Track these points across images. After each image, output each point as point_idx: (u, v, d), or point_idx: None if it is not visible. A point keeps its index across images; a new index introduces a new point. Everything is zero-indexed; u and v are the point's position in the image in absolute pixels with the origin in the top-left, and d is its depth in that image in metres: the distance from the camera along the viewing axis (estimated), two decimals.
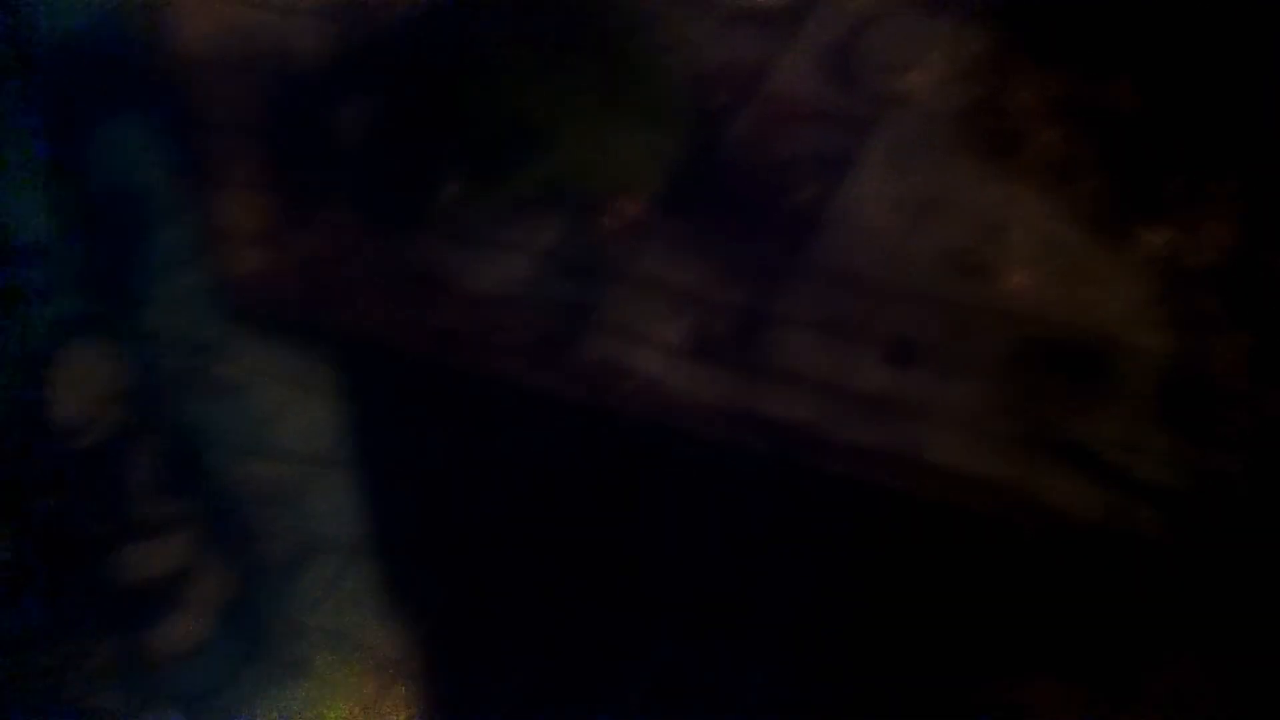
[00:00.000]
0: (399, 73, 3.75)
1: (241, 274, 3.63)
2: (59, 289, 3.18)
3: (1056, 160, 3.27)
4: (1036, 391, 2.86)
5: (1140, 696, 2.63)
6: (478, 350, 3.33)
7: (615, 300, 3.23)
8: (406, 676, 2.95)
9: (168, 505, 3.12)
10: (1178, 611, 2.55)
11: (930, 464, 2.84)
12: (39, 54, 3.29)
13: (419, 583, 3.09)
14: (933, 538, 2.81)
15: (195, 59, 3.66)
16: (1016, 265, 3.10)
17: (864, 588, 2.92)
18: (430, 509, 3.23)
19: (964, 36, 3.65)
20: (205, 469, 3.23)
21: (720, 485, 3.02)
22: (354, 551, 3.07)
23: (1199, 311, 2.89)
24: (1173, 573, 2.57)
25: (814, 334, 3.08)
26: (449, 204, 3.55)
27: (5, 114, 3.17)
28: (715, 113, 3.72)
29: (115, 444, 3.16)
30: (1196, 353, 2.84)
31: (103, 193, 3.42)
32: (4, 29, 3.22)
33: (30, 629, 2.97)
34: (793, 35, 3.90)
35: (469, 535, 3.12)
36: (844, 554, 2.91)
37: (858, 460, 2.90)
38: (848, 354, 3.03)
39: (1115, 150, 3.23)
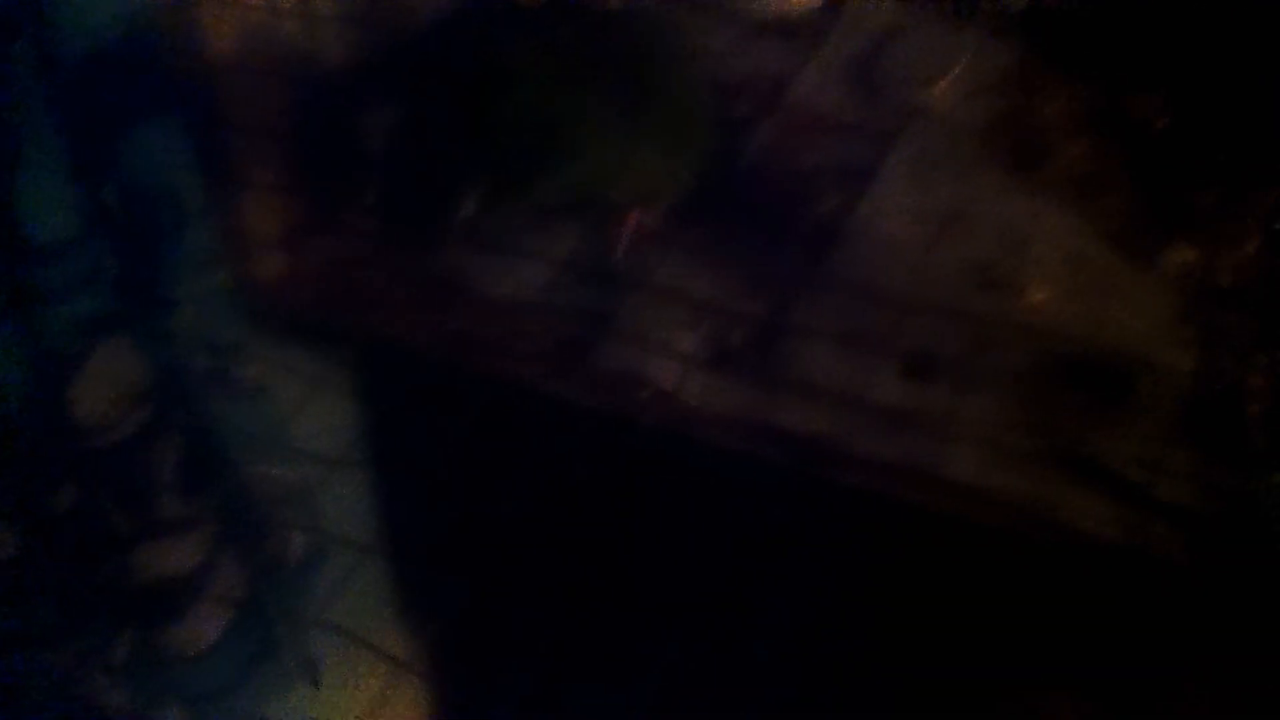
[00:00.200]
0: (421, 79, 3.76)
1: (262, 277, 3.64)
2: (79, 288, 3.20)
3: (1081, 175, 3.25)
4: (1057, 407, 2.84)
5: (1156, 716, 2.60)
6: (496, 355, 3.32)
7: (634, 309, 3.23)
8: (417, 675, 2.94)
9: (183, 504, 3.12)
10: (1196, 631, 2.53)
11: (948, 479, 2.82)
12: (63, 56, 3.31)
13: (431, 583, 3.08)
14: (949, 552, 2.79)
15: (218, 63, 3.67)
16: (1039, 280, 3.08)
17: (878, 600, 2.90)
18: (445, 511, 3.22)
19: (988, 49, 3.63)
20: (222, 469, 3.23)
21: (735, 495, 3.01)
22: (367, 551, 3.07)
23: (1223, 329, 2.87)
24: (1191, 592, 2.54)
25: (833, 346, 3.07)
26: (470, 210, 3.55)
27: (29, 115, 3.19)
28: (737, 123, 3.71)
29: (132, 443, 3.16)
30: (1220, 371, 2.81)
31: (124, 194, 3.43)
32: (29, 33, 3.25)
33: (43, 627, 2.98)
34: (816, 47, 3.90)
35: (483, 538, 3.11)
36: (860, 566, 2.89)
37: (875, 473, 2.89)
38: (867, 366, 3.02)
39: (1141, 165, 3.21)
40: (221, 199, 3.60)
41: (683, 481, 3.08)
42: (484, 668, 3.01)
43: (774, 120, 3.70)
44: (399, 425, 3.34)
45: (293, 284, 3.61)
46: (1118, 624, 2.59)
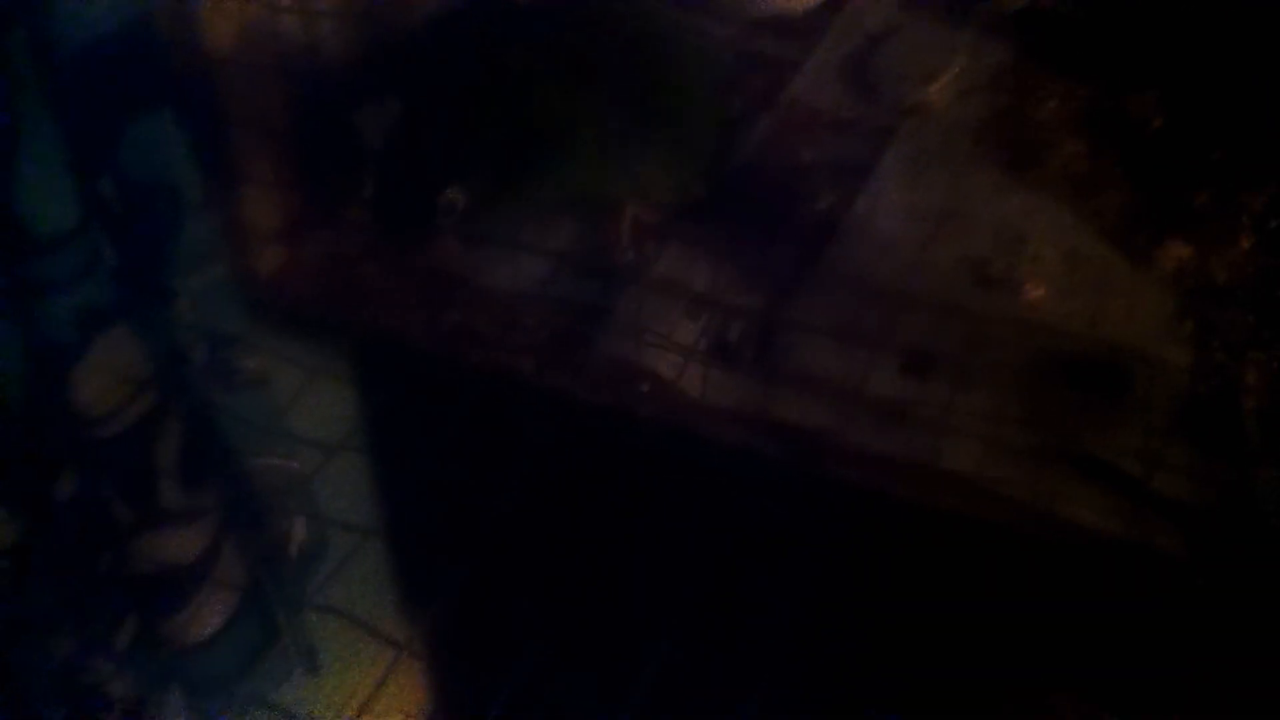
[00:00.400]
0: (420, 74, 3.76)
1: (261, 270, 3.65)
2: (79, 279, 3.20)
3: (1077, 173, 3.28)
4: (1055, 403, 2.86)
5: (1158, 716, 2.61)
6: (494, 347, 3.33)
7: (633, 302, 3.24)
8: (417, 659, 2.95)
9: (184, 493, 3.12)
10: (1198, 629, 2.54)
11: (946, 473, 2.84)
12: (61, 47, 3.30)
13: (431, 569, 3.09)
14: (948, 547, 2.80)
15: (218, 59, 3.67)
16: (1036, 277, 3.10)
17: (877, 597, 2.91)
18: (443, 500, 3.23)
19: (985, 48, 3.66)
20: (222, 457, 3.24)
21: (733, 488, 3.02)
22: (366, 535, 3.08)
23: (1219, 325, 2.89)
24: (1193, 589, 2.56)
25: (831, 340, 3.09)
26: (468, 204, 3.56)
27: (27, 106, 3.18)
28: (735, 120, 3.73)
29: (133, 433, 3.17)
30: (1216, 367, 2.83)
31: (123, 186, 3.43)
32: (26, 23, 3.24)
33: (46, 615, 2.97)
34: (814, 45, 3.92)
35: (481, 527, 3.12)
36: (859, 562, 2.90)
37: (873, 467, 2.91)
38: (865, 361, 3.04)
39: (1136, 163, 3.23)
40: (220, 192, 3.60)
41: (681, 474, 3.09)
42: (482, 656, 3.01)
43: (772, 117, 3.73)
44: (397, 415, 3.34)
45: (292, 277, 3.62)
46: (1119, 620, 2.61)
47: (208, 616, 3.05)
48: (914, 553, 2.84)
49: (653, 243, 3.42)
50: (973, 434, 2.85)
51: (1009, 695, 2.79)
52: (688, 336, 3.20)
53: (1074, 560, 2.65)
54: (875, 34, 3.85)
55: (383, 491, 3.21)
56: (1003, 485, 2.76)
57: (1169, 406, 2.80)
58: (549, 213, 3.53)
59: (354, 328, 3.41)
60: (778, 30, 3.97)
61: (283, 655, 2.98)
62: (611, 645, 3.02)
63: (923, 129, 3.54)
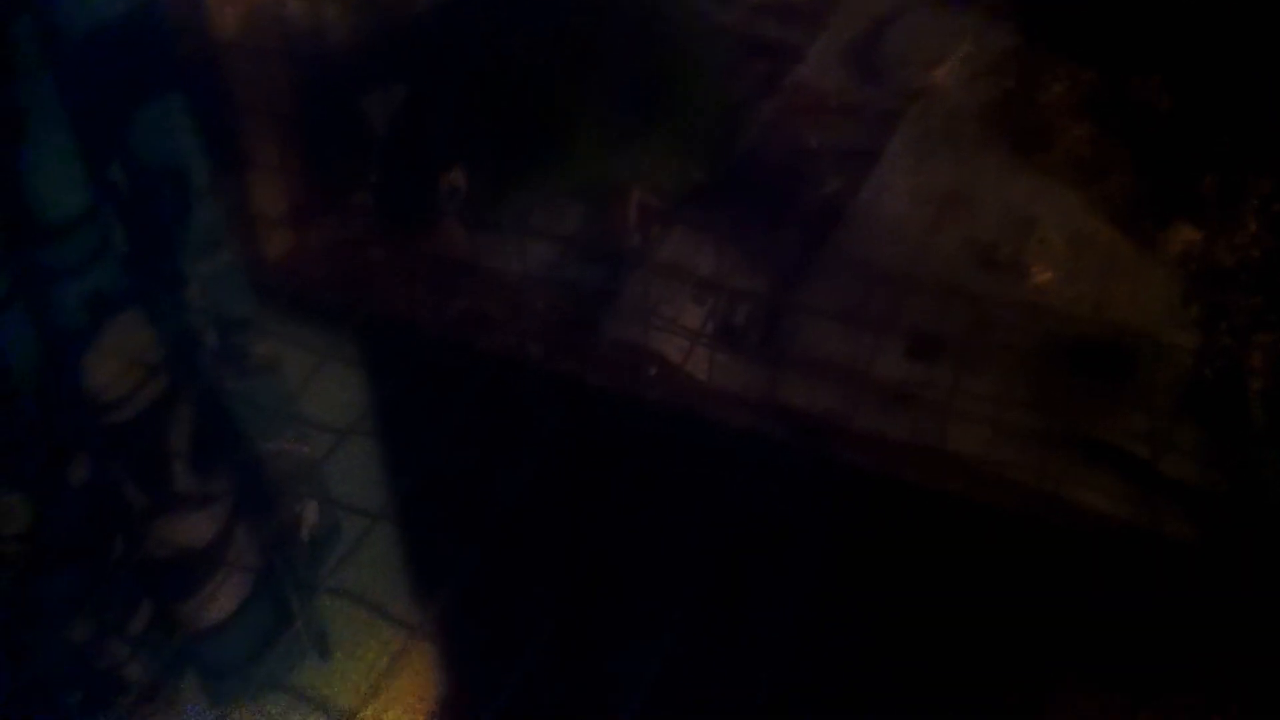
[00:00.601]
0: (426, 60, 3.76)
1: (270, 255, 3.66)
2: (90, 265, 3.20)
3: (1083, 157, 3.29)
4: (1062, 386, 2.87)
5: (1168, 698, 2.61)
6: (502, 331, 3.35)
7: (640, 286, 3.25)
8: (428, 641, 2.97)
9: (198, 477, 3.14)
10: (1207, 611, 2.54)
11: (953, 456, 2.85)
12: (71, 35, 3.31)
13: (441, 551, 3.10)
14: (955, 531, 2.81)
15: (226, 45, 3.68)
16: (1043, 261, 3.11)
17: (882, 586, 2.90)
18: (452, 483, 3.24)
19: (991, 32, 3.66)
20: (234, 442, 3.25)
21: (740, 472, 3.03)
22: (377, 518, 3.10)
23: (1225, 309, 2.90)
24: (1202, 571, 2.57)
25: (837, 324, 3.10)
26: (475, 190, 3.57)
27: (39, 97, 3.19)
28: (739, 105, 3.74)
29: (146, 417, 3.18)
30: (1222, 349, 2.85)
31: (133, 173, 3.43)
32: (36, 10, 3.24)
33: (64, 599, 2.99)
34: (818, 29, 3.92)
35: (490, 511, 3.13)
36: (866, 546, 2.90)
37: (880, 450, 2.92)
38: (871, 344, 3.05)
39: (1142, 148, 3.24)
40: (229, 178, 3.60)
41: (688, 458, 3.10)
42: (492, 639, 3.03)
43: (777, 102, 3.73)
44: (406, 400, 3.35)
45: (300, 262, 3.63)
46: (1129, 603, 2.60)
47: (221, 600, 3.07)
48: (920, 537, 2.84)
49: (659, 227, 3.43)
50: (979, 417, 2.86)
51: (1019, 675, 2.78)
52: (694, 320, 3.21)
53: (1082, 542, 2.66)
54: (880, 18, 3.85)
55: (393, 476, 3.23)
56: (1009, 469, 2.78)
57: (1175, 389, 2.82)
58: (555, 198, 3.53)
59: (363, 311, 3.42)
60: (782, 15, 3.97)
61: (295, 638, 3.00)
62: (618, 629, 3.03)
63: (928, 113, 3.55)
